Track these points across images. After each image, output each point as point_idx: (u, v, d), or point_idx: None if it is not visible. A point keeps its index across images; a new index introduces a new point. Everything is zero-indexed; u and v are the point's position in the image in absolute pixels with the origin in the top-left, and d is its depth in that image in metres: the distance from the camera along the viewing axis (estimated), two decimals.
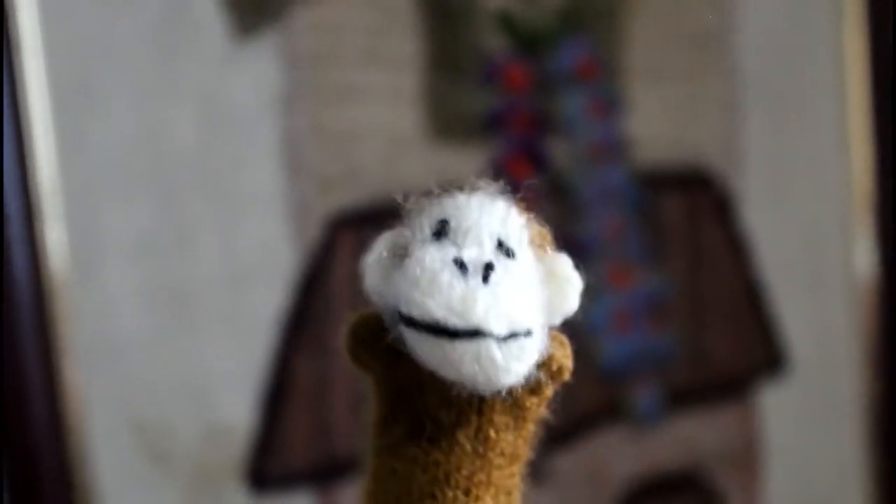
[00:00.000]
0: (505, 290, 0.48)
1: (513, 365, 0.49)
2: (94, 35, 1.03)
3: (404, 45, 1.13)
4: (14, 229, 0.99)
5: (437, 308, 0.48)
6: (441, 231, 0.50)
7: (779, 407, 1.36)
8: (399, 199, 0.52)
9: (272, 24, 1.09)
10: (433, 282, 0.48)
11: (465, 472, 0.52)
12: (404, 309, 0.48)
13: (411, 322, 0.48)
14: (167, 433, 1.08)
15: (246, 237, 1.09)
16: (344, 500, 1.14)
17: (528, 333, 0.49)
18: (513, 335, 0.48)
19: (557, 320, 0.52)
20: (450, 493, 0.51)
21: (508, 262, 0.50)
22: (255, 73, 1.08)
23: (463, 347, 0.48)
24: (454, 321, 0.47)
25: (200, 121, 1.07)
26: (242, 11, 1.07)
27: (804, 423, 1.37)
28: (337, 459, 1.14)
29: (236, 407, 1.10)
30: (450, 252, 0.49)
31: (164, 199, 1.06)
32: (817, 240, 1.36)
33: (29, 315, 1.01)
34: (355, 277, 1.15)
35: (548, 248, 0.52)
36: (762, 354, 1.35)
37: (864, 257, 1.36)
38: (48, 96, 1.00)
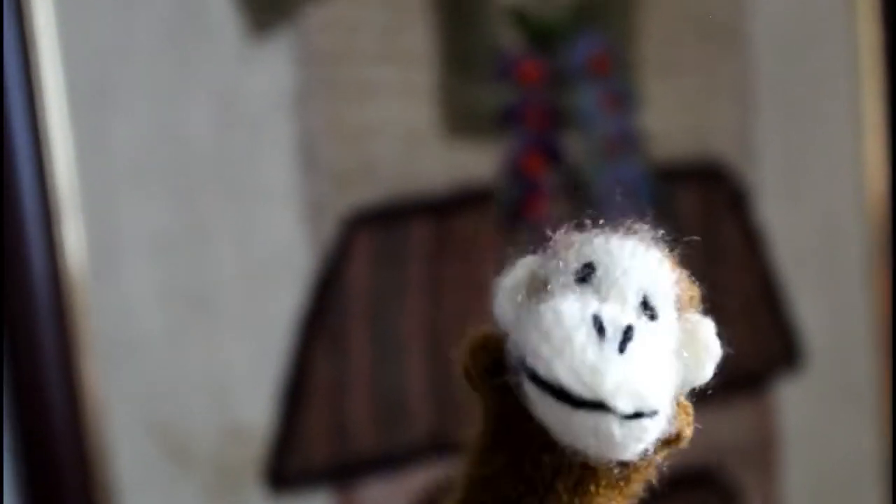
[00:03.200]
0: (639, 363, 0.45)
1: (631, 444, 0.46)
2: (110, 35, 1.03)
3: (418, 41, 1.14)
4: (32, 228, 1.00)
5: (564, 372, 0.45)
6: (586, 277, 0.47)
7: (796, 401, 1.36)
8: (550, 231, 0.48)
9: (286, 23, 1.09)
10: (566, 341, 0.45)
11: None
12: (530, 361, 0.45)
13: (534, 376, 0.45)
14: (186, 432, 1.08)
15: (263, 235, 1.09)
16: (362, 499, 1.14)
17: (653, 414, 0.46)
18: (637, 415, 0.45)
19: (687, 389, 0.49)
20: None
21: (650, 325, 0.46)
22: (270, 71, 1.08)
23: (582, 418, 0.45)
24: (579, 390, 0.44)
25: (217, 119, 1.07)
26: (257, 10, 1.07)
27: (821, 416, 1.37)
28: (355, 458, 1.14)
29: (254, 406, 1.10)
30: (590, 306, 0.46)
31: (182, 197, 1.06)
32: (833, 232, 1.36)
33: (47, 314, 1.01)
34: (371, 275, 1.15)
35: (693, 310, 0.49)
36: (779, 348, 1.35)
37: (879, 249, 1.36)
38: (66, 96, 1.01)
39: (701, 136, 1.27)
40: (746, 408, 1.33)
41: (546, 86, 1.19)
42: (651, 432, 0.46)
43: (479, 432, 0.50)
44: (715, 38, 1.27)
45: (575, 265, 0.47)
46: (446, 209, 1.15)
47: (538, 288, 0.47)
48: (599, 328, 0.45)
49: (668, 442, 0.48)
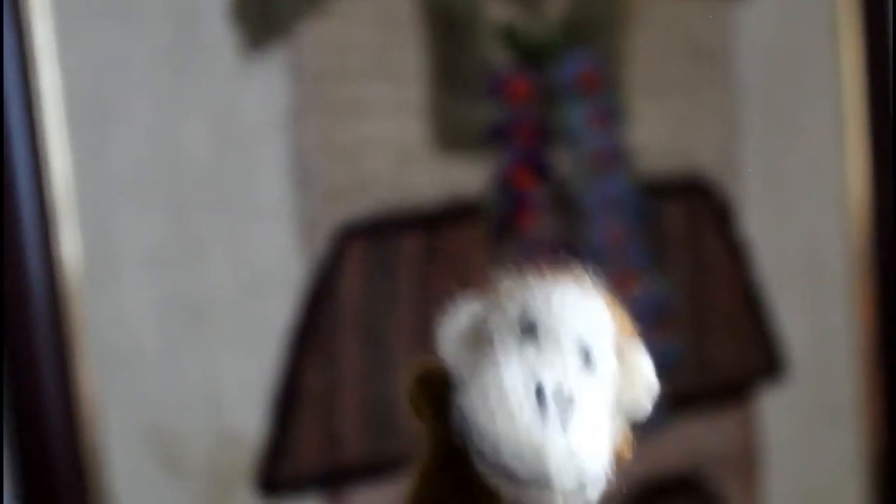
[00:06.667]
0: (581, 437, 0.47)
1: None
2: (108, 52, 1.04)
3: (410, 59, 1.15)
4: (30, 240, 1.01)
5: (509, 457, 0.46)
6: (527, 330, 0.48)
7: (778, 411, 1.36)
8: (492, 275, 0.50)
9: (280, 41, 1.10)
10: (510, 422, 0.46)
11: None
12: (476, 440, 0.47)
13: (481, 453, 0.47)
14: (180, 441, 1.09)
15: (257, 249, 1.10)
16: None
17: (596, 482, 0.47)
18: (580, 486, 0.47)
19: (625, 421, 0.50)
20: None
21: (591, 380, 0.48)
22: (265, 88, 1.09)
23: (528, 491, 0.47)
24: (524, 474, 0.46)
25: (212, 135, 1.08)
26: (251, 28, 1.08)
27: (803, 426, 1.38)
28: (346, 466, 1.14)
29: (248, 415, 1.11)
30: (532, 371, 0.47)
31: (177, 211, 1.07)
32: (815, 247, 1.37)
33: (44, 325, 1.02)
34: (363, 288, 1.16)
35: (631, 341, 0.50)
36: (762, 359, 1.36)
37: (861, 264, 1.37)
38: (64, 111, 1.02)
39: (686, 153, 1.28)
40: (729, 418, 1.34)
41: (535, 103, 1.20)
42: (593, 496, 0.47)
43: (427, 452, 0.51)
44: (701, 58, 1.28)
45: (515, 317, 0.48)
46: (437, 223, 1.16)
47: (481, 337, 0.48)
48: (539, 393, 0.46)
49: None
